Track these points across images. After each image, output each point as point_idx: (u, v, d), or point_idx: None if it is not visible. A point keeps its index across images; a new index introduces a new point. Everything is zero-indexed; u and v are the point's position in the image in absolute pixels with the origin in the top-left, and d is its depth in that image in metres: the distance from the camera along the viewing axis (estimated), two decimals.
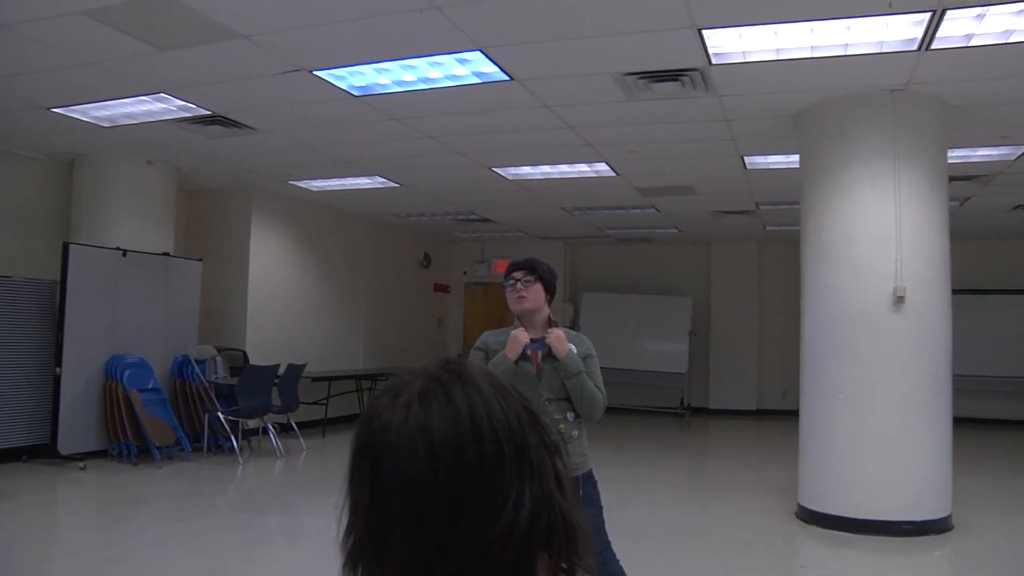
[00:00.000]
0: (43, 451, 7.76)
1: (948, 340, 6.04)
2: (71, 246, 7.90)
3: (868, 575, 5.08)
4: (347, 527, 0.83)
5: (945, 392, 5.99)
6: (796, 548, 5.86)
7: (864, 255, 5.94)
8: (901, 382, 5.84)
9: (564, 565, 0.82)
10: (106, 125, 7.15)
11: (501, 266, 13.38)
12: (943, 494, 5.93)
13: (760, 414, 13.70)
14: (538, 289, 3.25)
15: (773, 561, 5.45)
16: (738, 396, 13.92)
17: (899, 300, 5.82)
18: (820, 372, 6.13)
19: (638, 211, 10.94)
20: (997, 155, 7.41)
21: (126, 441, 7.94)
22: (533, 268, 3.26)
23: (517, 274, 3.26)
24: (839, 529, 5.80)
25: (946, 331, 6.02)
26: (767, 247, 13.97)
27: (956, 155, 6.98)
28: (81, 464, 7.61)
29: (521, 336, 3.18)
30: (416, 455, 0.77)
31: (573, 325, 12.68)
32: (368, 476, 0.80)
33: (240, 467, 8.26)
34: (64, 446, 7.72)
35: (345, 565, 0.83)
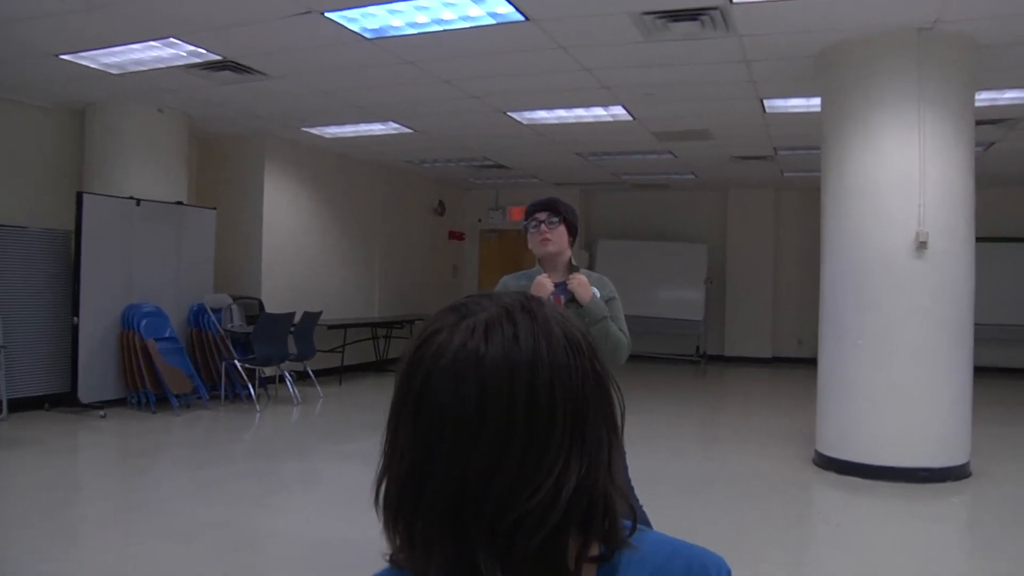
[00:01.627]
0: (64, 399, 7.84)
1: (970, 287, 5.95)
2: (85, 196, 7.87)
3: (885, 521, 5.07)
4: (382, 466, 0.77)
5: (966, 339, 5.92)
6: (813, 494, 5.86)
7: (886, 200, 5.82)
8: (921, 329, 5.76)
9: (599, 551, 0.76)
10: (115, 72, 7.06)
11: (517, 213, 13.30)
12: (962, 441, 5.89)
13: (775, 362, 13.68)
14: (562, 231, 3.11)
15: (790, 506, 5.45)
16: (754, 344, 13.88)
17: (921, 246, 5.71)
18: (839, 319, 6.06)
19: (654, 156, 10.79)
20: None
21: (144, 390, 8.01)
22: (556, 209, 3.12)
23: (541, 215, 3.11)
24: (856, 475, 5.79)
25: (968, 278, 5.93)
26: (784, 194, 13.79)
27: (982, 98, 6.79)
28: (101, 412, 7.68)
29: (546, 283, 3.05)
30: (465, 387, 0.72)
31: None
32: (415, 395, 0.74)
33: (257, 415, 8.32)
34: (84, 395, 7.80)
35: (386, 516, 0.77)
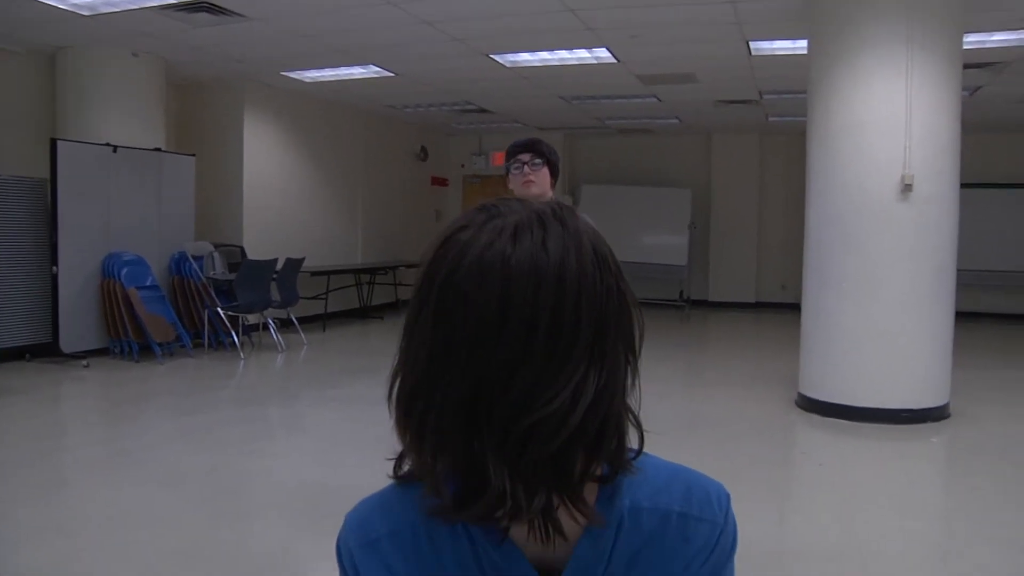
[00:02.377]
0: (46, 350, 7.77)
1: (954, 230, 5.97)
2: (59, 143, 7.70)
3: (867, 460, 5.16)
4: (397, 363, 0.76)
5: (949, 282, 5.96)
6: (796, 435, 5.93)
7: (872, 142, 5.80)
8: (905, 271, 5.79)
9: (603, 471, 0.76)
10: (86, 13, 6.86)
11: (499, 158, 13.17)
12: (942, 383, 5.97)
13: (759, 307, 13.76)
14: (545, 173, 3.10)
15: (774, 447, 5.52)
16: (737, 288, 13.95)
17: (906, 188, 5.71)
18: (823, 261, 6.08)
19: (639, 100, 10.68)
20: (1015, 40, 7.13)
21: (127, 339, 7.95)
22: (539, 150, 3.11)
23: (523, 157, 3.10)
24: (839, 417, 5.87)
25: (953, 221, 5.94)
26: (769, 139, 13.72)
27: (971, 40, 6.72)
28: (84, 362, 7.64)
29: None
30: (489, 286, 0.69)
31: None
32: (435, 291, 0.72)
33: (242, 362, 8.31)
34: (66, 344, 7.73)
35: (397, 414, 0.75)
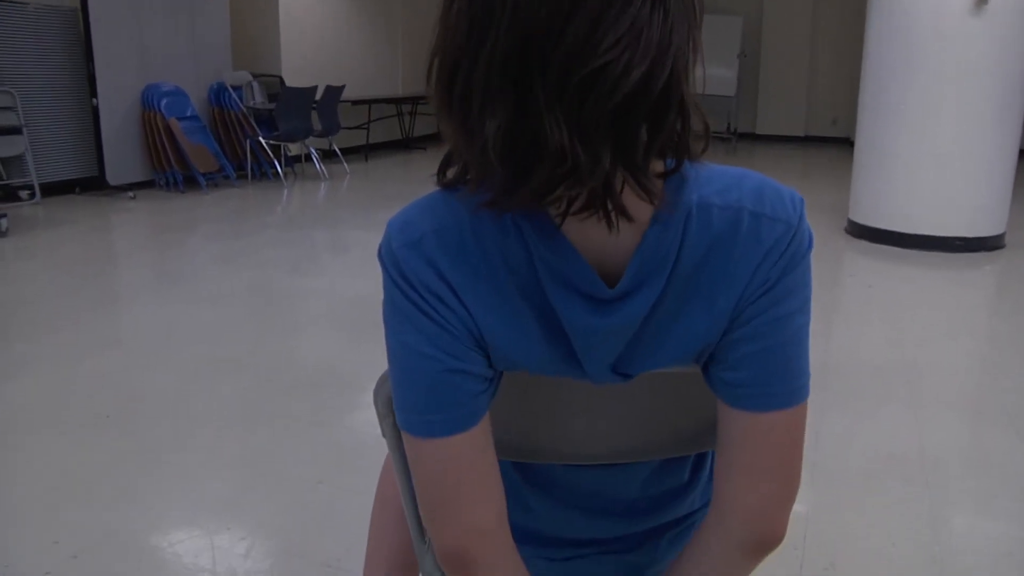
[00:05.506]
0: (94, 183, 7.84)
1: None
2: None
3: (917, 284, 5.09)
4: (434, 46, 0.70)
5: (1017, 106, 5.61)
6: (844, 259, 5.83)
7: None
8: (970, 91, 5.49)
9: (667, 165, 0.70)
10: None
11: None
12: (999, 212, 5.78)
13: (808, 140, 13.35)
14: None
15: (820, 269, 5.41)
16: (787, 121, 13.51)
17: (981, 2, 5.31)
18: (882, 81, 5.78)
19: None
20: None
21: (171, 170, 7.98)
22: None
23: None
24: (889, 244, 5.77)
25: None
26: None
27: None
28: (131, 194, 7.71)
29: None
30: None
31: None
32: None
33: (286, 191, 8.33)
34: (112, 177, 7.78)
35: (438, 92, 0.70)
